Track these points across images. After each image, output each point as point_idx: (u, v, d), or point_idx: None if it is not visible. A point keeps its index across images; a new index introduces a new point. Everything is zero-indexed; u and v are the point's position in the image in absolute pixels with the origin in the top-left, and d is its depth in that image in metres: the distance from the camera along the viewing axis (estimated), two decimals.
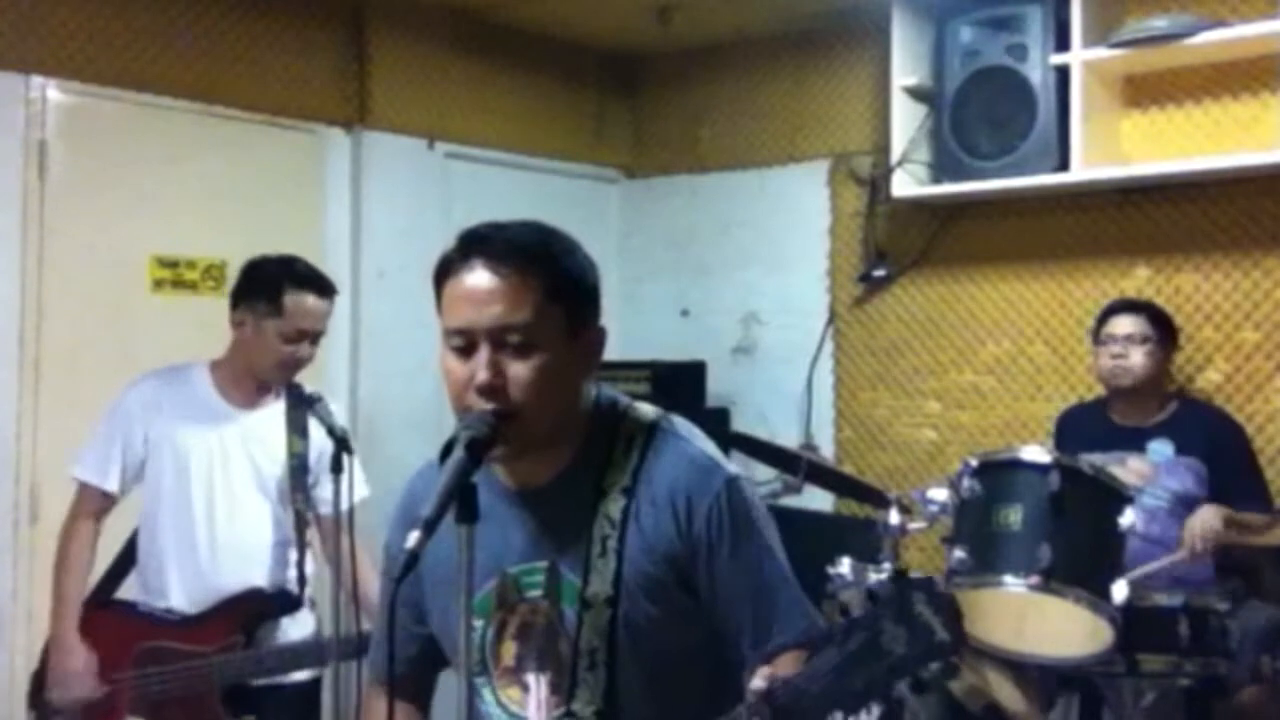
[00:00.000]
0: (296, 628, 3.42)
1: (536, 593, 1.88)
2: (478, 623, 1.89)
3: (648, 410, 1.94)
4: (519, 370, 1.75)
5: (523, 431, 1.76)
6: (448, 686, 1.95)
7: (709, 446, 1.92)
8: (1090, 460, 3.52)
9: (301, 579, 3.42)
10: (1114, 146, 4.50)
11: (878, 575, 3.59)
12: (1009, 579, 3.20)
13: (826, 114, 5.29)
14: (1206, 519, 3.64)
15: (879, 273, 5.09)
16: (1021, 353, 4.79)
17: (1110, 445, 4.00)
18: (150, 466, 3.32)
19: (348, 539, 2.97)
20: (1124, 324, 4.06)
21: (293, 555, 3.42)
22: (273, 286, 3.28)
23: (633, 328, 5.51)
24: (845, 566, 3.62)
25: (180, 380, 3.37)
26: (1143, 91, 4.52)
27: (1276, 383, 4.28)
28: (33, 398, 3.93)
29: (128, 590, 3.40)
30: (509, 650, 1.90)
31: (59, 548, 3.31)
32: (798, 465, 4.04)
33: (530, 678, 1.88)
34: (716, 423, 4.96)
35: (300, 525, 3.40)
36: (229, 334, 3.37)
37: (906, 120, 4.79)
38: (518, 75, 5.33)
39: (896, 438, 5.08)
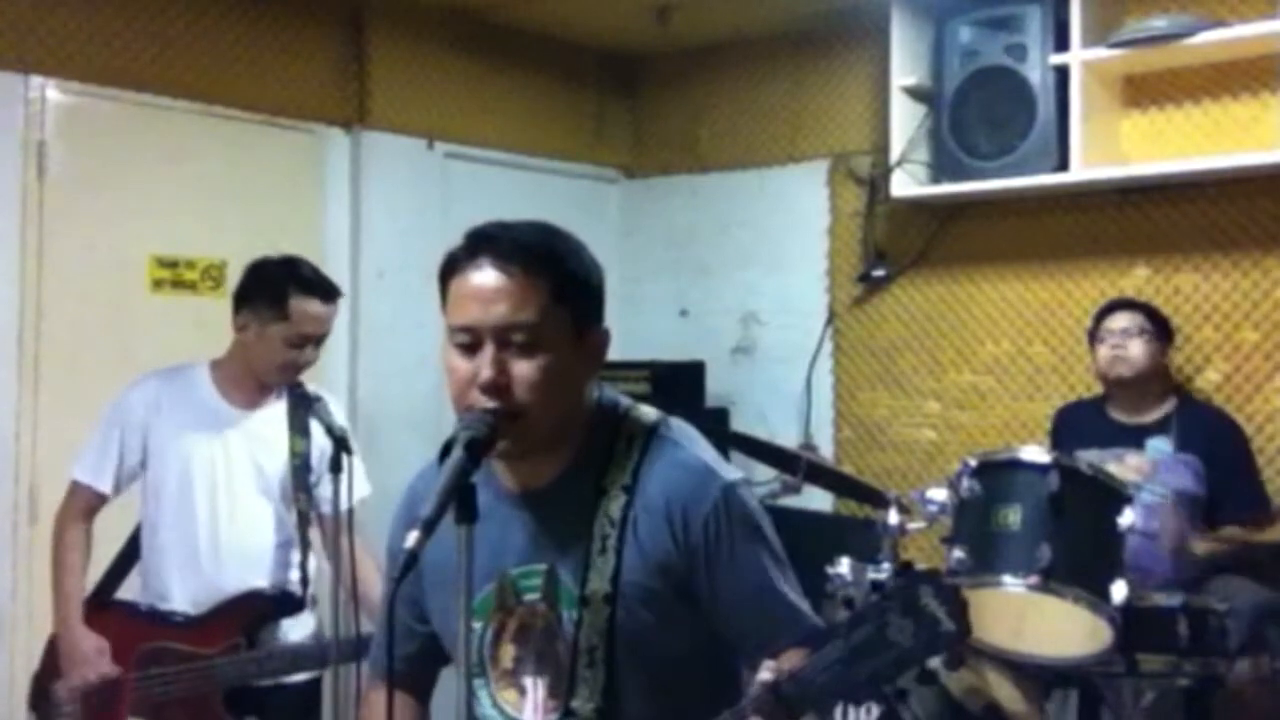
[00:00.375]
0: (297, 628, 3.42)
1: (535, 595, 1.87)
2: (476, 624, 1.89)
3: (648, 413, 1.94)
4: (523, 369, 1.75)
5: (526, 431, 1.76)
6: (445, 688, 1.96)
7: (707, 452, 1.91)
8: (1089, 459, 3.52)
9: (304, 579, 3.42)
10: (1113, 146, 4.50)
11: (877, 575, 3.59)
12: (1008, 579, 3.19)
13: (826, 114, 5.30)
14: (1182, 533, 3.65)
15: (878, 273, 5.09)
16: (1021, 353, 4.80)
17: (1109, 442, 4.00)
18: (151, 468, 3.32)
19: (347, 539, 2.97)
20: (1120, 319, 4.08)
21: (295, 556, 3.41)
22: (277, 291, 3.26)
23: (632, 327, 5.50)
24: (845, 566, 3.62)
25: (181, 381, 3.36)
26: (1142, 91, 4.52)
27: (1276, 382, 4.28)
28: (32, 398, 3.93)
29: (128, 591, 3.40)
30: (507, 652, 1.90)
31: (55, 547, 3.30)
32: (797, 465, 4.04)
33: (528, 680, 1.88)
34: (716, 423, 4.96)
35: (303, 525, 3.39)
36: (229, 334, 3.36)
37: (906, 120, 4.79)
38: (517, 75, 5.33)
39: (896, 438, 5.08)
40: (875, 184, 5.07)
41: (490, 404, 1.74)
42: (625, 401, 1.95)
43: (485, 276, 1.76)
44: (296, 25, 4.60)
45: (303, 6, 4.62)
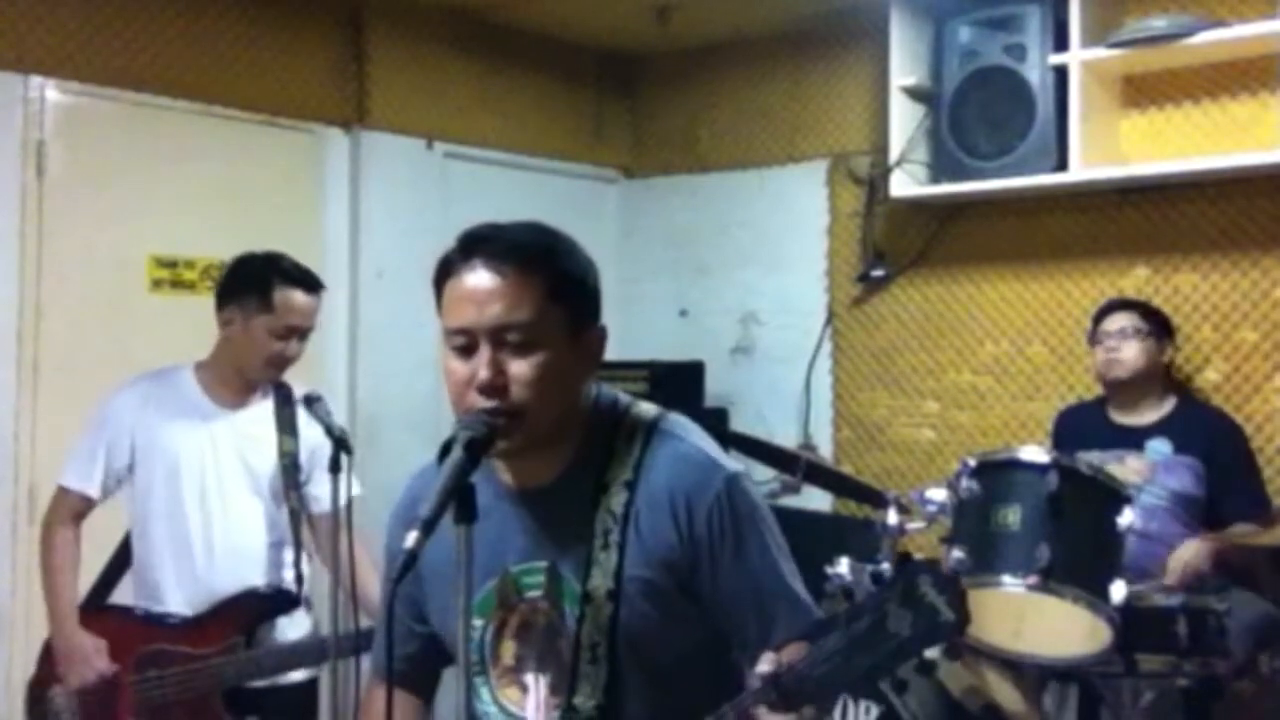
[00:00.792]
0: (293, 628, 3.42)
1: (536, 593, 1.88)
2: (477, 622, 1.89)
3: (648, 409, 1.94)
4: (520, 369, 1.75)
5: (525, 430, 1.76)
6: (447, 686, 1.96)
7: (708, 445, 1.92)
8: (1089, 460, 3.52)
9: (299, 577, 3.43)
10: (1113, 146, 4.50)
11: (877, 570, 3.59)
12: (1007, 579, 3.19)
13: (825, 114, 5.30)
14: (1192, 560, 3.61)
15: (877, 273, 5.09)
16: (1020, 353, 4.80)
17: (1109, 444, 4.00)
18: (140, 471, 3.32)
19: (346, 538, 2.97)
20: (1116, 320, 4.09)
21: (289, 555, 3.42)
22: (262, 283, 3.27)
23: (631, 328, 5.50)
24: (844, 566, 3.62)
25: (167, 383, 3.36)
26: (1141, 91, 4.52)
27: (1275, 382, 4.28)
28: (31, 397, 3.93)
29: (122, 595, 3.40)
30: (508, 650, 1.90)
31: (44, 553, 3.31)
32: (796, 465, 4.04)
33: (529, 678, 1.88)
34: (715, 423, 4.95)
35: (296, 524, 3.40)
36: None
37: (905, 120, 4.79)
38: (517, 75, 5.33)
39: (895, 438, 5.08)
40: (874, 184, 5.07)
41: (488, 404, 1.74)
42: (624, 398, 1.95)
43: (479, 278, 1.77)
44: (296, 25, 4.60)
45: (302, 6, 4.62)
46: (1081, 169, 4.31)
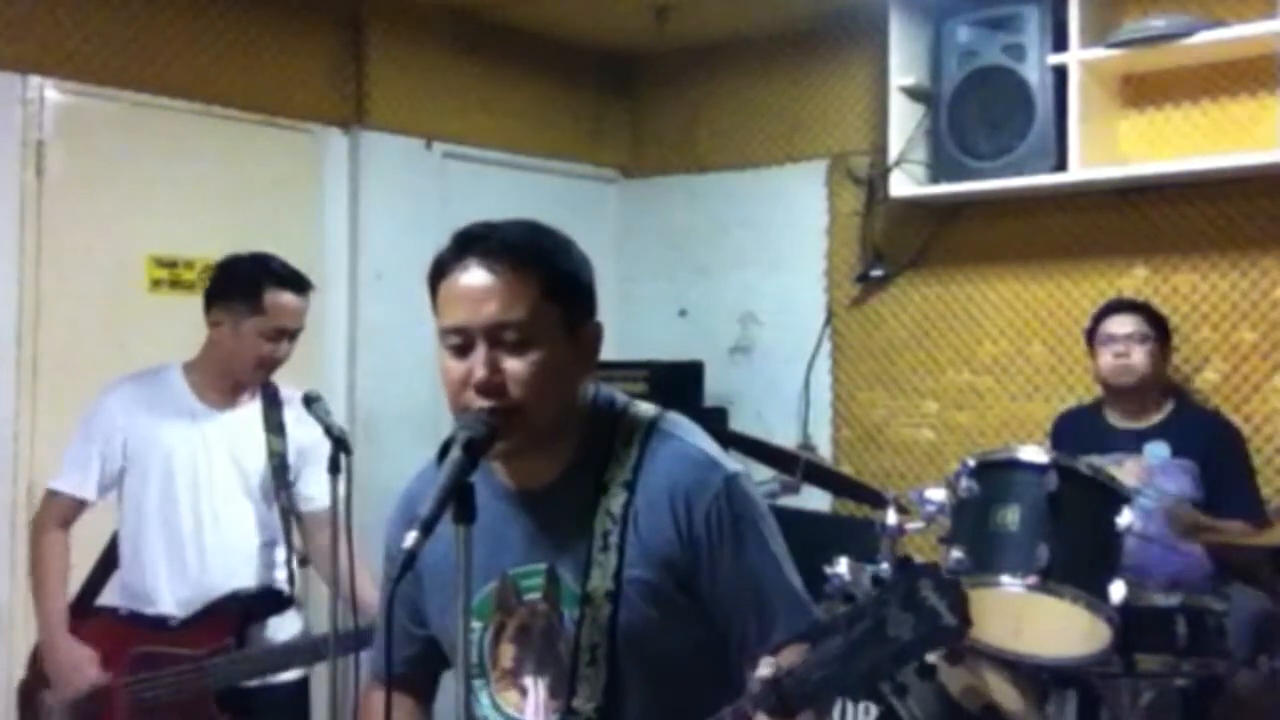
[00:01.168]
0: (285, 628, 3.42)
1: (535, 595, 1.87)
2: (475, 625, 1.89)
3: (646, 408, 1.94)
4: (516, 367, 1.75)
5: (522, 428, 1.76)
6: (446, 689, 1.95)
7: (708, 444, 1.91)
8: (1088, 460, 3.52)
9: (290, 577, 3.43)
10: (1112, 146, 4.50)
11: (878, 571, 3.59)
12: (1006, 579, 3.19)
13: (824, 114, 5.30)
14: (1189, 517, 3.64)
15: (877, 273, 5.09)
16: (1019, 353, 4.80)
17: (1107, 447, 3.99)
18: (131, 472, 3.31)
19: (345, 539, 2.97)
20: (1124, 323, 4.06)
21: (280, 554, 3.42)
22: (252, 286, 3.27)
23: (630, 328, 5.51)
24: (843, 566, 3.62)
25: (156, 384, 3.36)
26: (1140, 91, 4.52)
27: (1274, 383, 4.28)
28: (30, 397, 3.93)
29: (108, 597, 3.39)
30: (506, 653, 1.90)
31: (34, 557, 3.30)
32: (795, 465, 4.04)
33: (528, 681, 1.88)
34: (714, 423, 4.95)
35: (286, 523, 3.41)
36: None
37: (904, 120, 4.79)
38: (516, 75, 5.33)
39: (894, 438, 5.08)
40: (874, 184, 5.07)
41: (485, 404, 1.74)
42: (622, 398, 1.95)
43: (473, 277, 1.76)
44: (295, 25, 4.60)
45: (301, 7, 4.61)
46: (1080, 169, 4.31)
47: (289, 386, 3.43)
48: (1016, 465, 3.36)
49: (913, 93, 4.78)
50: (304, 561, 3.58)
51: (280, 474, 3.39)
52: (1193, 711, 3.50)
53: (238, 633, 3.27)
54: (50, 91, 4.00)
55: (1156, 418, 4.05)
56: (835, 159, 5.25)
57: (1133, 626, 3.21)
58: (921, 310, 5.03)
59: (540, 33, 5.34)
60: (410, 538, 1.58)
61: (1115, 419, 4.11)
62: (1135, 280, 4.51)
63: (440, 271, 1.81)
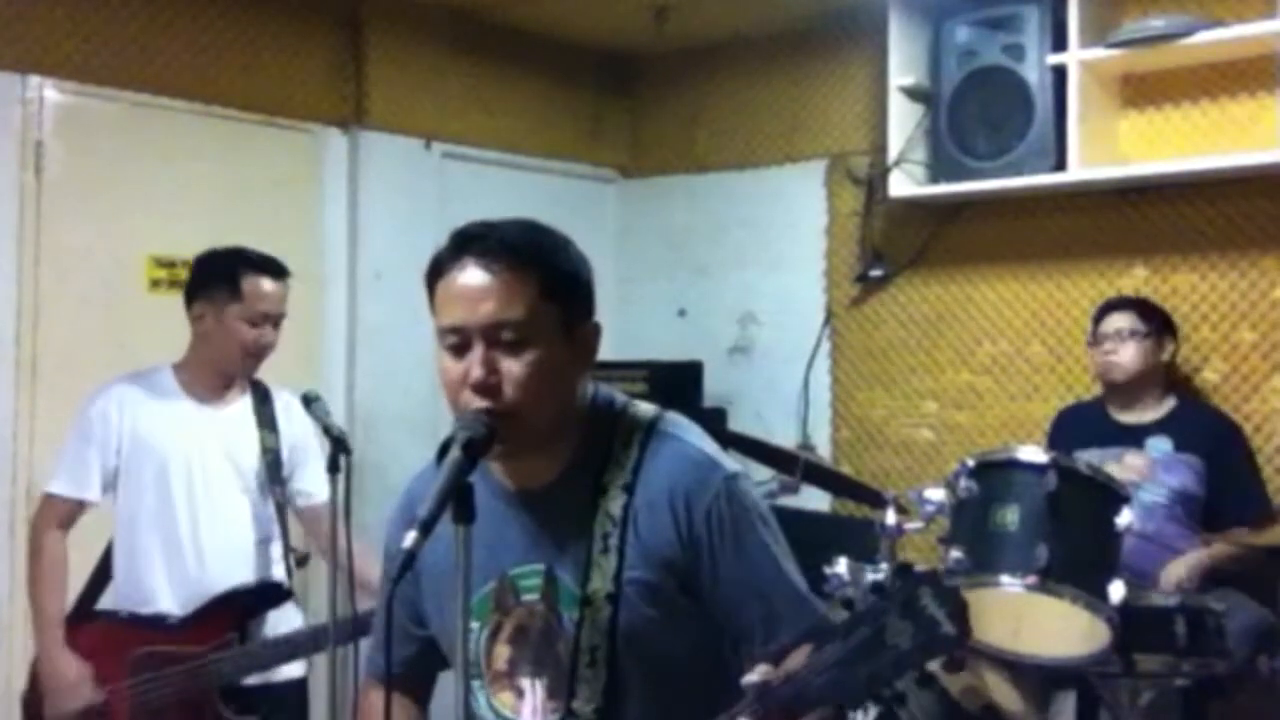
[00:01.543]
0: (285, 622, 3.42)
1: (533, 596, 1.87)
2: (473, 624, 1.88)
3: (646, 408, 1.94)
4: (513, 367, 1.75)
5: (520, 429, 1.76)
6: (444, 689, 1.95)
7: (707, 444, 1.91)
8: (1087, 459, 3.52)
9: (288, 572, 3.44)
10: (1111, 146, 4.50)
11: (875, 575, 3.59)
12: (1006, 579, 3.19)
13: (823, 114, 5.29)
14: (1183, 575, 3.63)
15: (876, 273, 5.09)
16: (1019, 353, 4.79)
17: (1109, 441, 4.00)
18: (127, 472, 3.32)
19: (344, 537, 2.97)
20: (1114, 321, 4.09)
21: (277, 550, 3.44)
22: (229, 274, 3.31)
23: (629, 328, 5.50)
24: (842, 567, 3.61)
25: (149, 384, 3.38)
26: (1140, 91, 4.52)
27: (1273, 382, 4.28)
28: (29, 398, 3.93)
29: (108, 600, 3.39)
30: (501, 654, 1.90)
31: (32, 563, 3.31)
32: (795, 465, 4.04)
33: (524, 682, 1.87)
34: (713, 423, 4.95)
35: (282, 519, 3.43)
36: None
37: (903, 120, 4.79)
38: (515, 75, 5.33)
39: (893, 438, 5.08)
40: (873, 184, 5.07)
41: (482, 404, 1.74)
42: (621, 398, 1.95)
43: (470, 276, 1.76)
44: (294, 25, 4.59)
45: (300, 7, 4.61)
46: (1080, 169, 4.31)
47: (279, 386, 3.47)
48: (1016, 465, 3.36)
49: (912, 93, 4.78)
50: (302, 561, 3.59)
51: (274, 469, 3.42)
52: (1192, 712, 3.50)
53: (239, 628, 3.27)
54: (49, 91, 4.00)
55: (1159, 413, 4.06)
56: (834, 159, 5.25)
57: (1132, 626, 3.21)
58: (921, 310, 5.02)
59: (540, 33, 5.33)
60: (409, 538, 1.58)
61: (1117, 414, 4.11)
62: (1135, 280, 4.51)
63: (438, 271, 1.81)
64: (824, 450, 5.16)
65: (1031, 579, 3.14)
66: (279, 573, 3.43)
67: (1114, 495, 3.29)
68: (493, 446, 1.74)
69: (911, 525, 3.68)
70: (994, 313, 4.85)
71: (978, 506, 3.33)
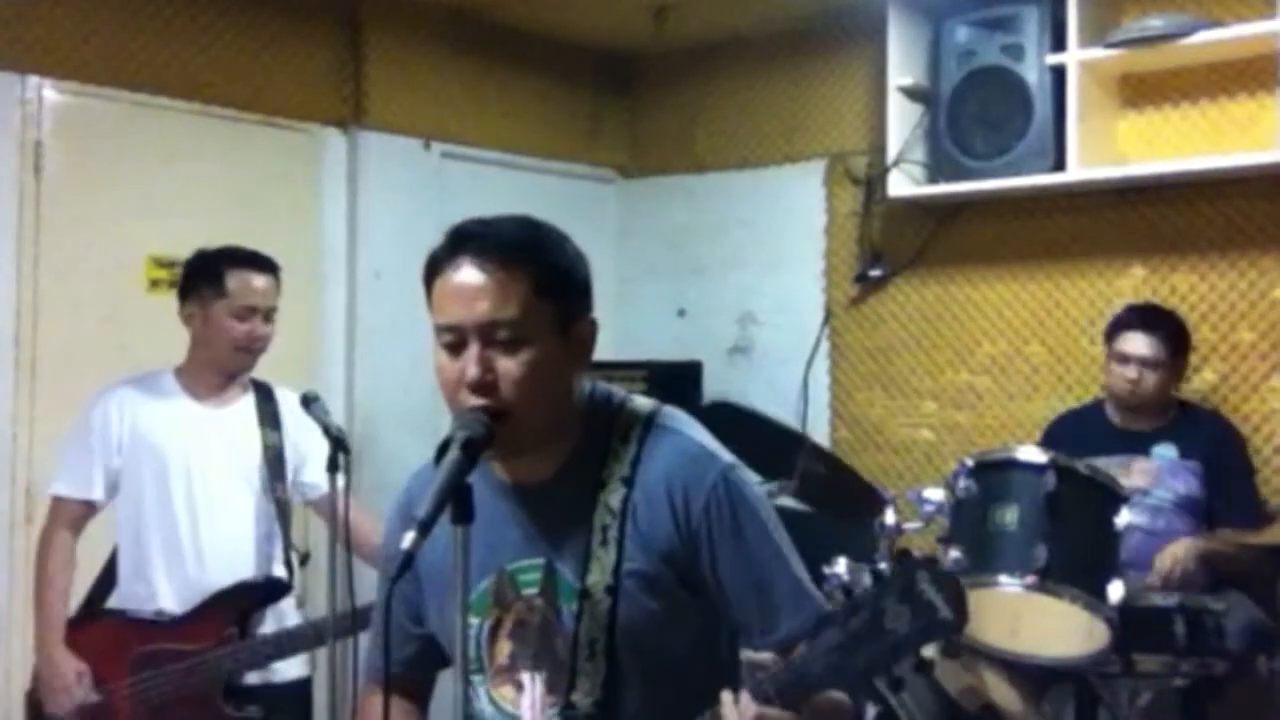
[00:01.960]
0: (285, 617, 3.43)
1: (533, 590, 1.88)
2: (473, 620, 1.89)
3: (644, 403, 1.95)
4: (509, 366, 1.75)
5: (516, 428, 1.76)
6: (443, 686, 1.95)
7: (705, 437, 1.92)
8: (1087, 460, 3.52)
9: (290, 570, 3.44)
10: (1110, 146, 4.50)
11: (877, 567, 3.59)
12: (1005, 579, 3.20)
13: (823, 114, 5.29)
14: (1181, 556, 3.61)
15: (875, 273, 5.09)
16: (1018, 353, 4.79)
17: (1113, 449, 3.95)
18: (129, 472, 3.34)
19: (343, 534, 2.98)
20: (1141, 345, 3.95)
21: (278, 548, 3.44)
22: (213, 271, 3.35)
23: (629, 328, 5.51)
24: (841, 566, 3.62)
25: (149, 385, 3.41)
26: (1139, 91, 4.52)
27: (1272, 382, 4.28)
28: (28, 398, 3.93)
29: (115, 599, 3.40)
30: (503, 649, 1.90)
31: (39, 562, 3.33)
32: (799, 449, 4.03)
33: (525, 676, 1.88)
34: (713, 420, 4.94)
35: (284, 517, 3.42)
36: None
37: (902, 120, 4.79)
38: (514, 75, 5.33)
39: (892, 438, 5.08)
40: (872, 184, 5.07)
41: (478, 402, 1.74)
42: (619, 394, 1.95)
43: (465, 275, 1.77)
44: (293, 25, 4.59)
45: (300, 6, 4.61)
46: (1079, 169, 4.31)
47: (281, 385, 3.48)
48: (1015, 465, 3.37)
49: (911, 93, 4.78)
50: (303, 559, 3.59)
51: (276, 468, 3.42)
52: (1191, 711, 3.51)
53: (239, 624, 3.28)
54: (48, 91, 4.00)
55: (1162, 419, 4.02)
56: (834, 159, 5.25)
57: (1131, 626, 3.21)
58: (920, 310, 5.03)
59: (539, 33, 5.33)
60: (408, 538, 1.59)
61: (1118, 421, 4.09)
62: (1133, 280, 4.51)
63: (434, 269, 1.82)
64: None
65: (1030, 579, 3.15)
66: (279, 571, 3.44)
67: (1113, 495, 3.30)
68: (491, 446, 1.74)
69: (910, 525, 3.69)
70: (993, 313, 4.85)
71: (977, 506, 3.34)
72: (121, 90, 4.16)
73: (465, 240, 1.80)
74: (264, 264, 3.40)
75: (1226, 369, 4.34)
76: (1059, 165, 4.35)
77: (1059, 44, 4.36)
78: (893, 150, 4.79)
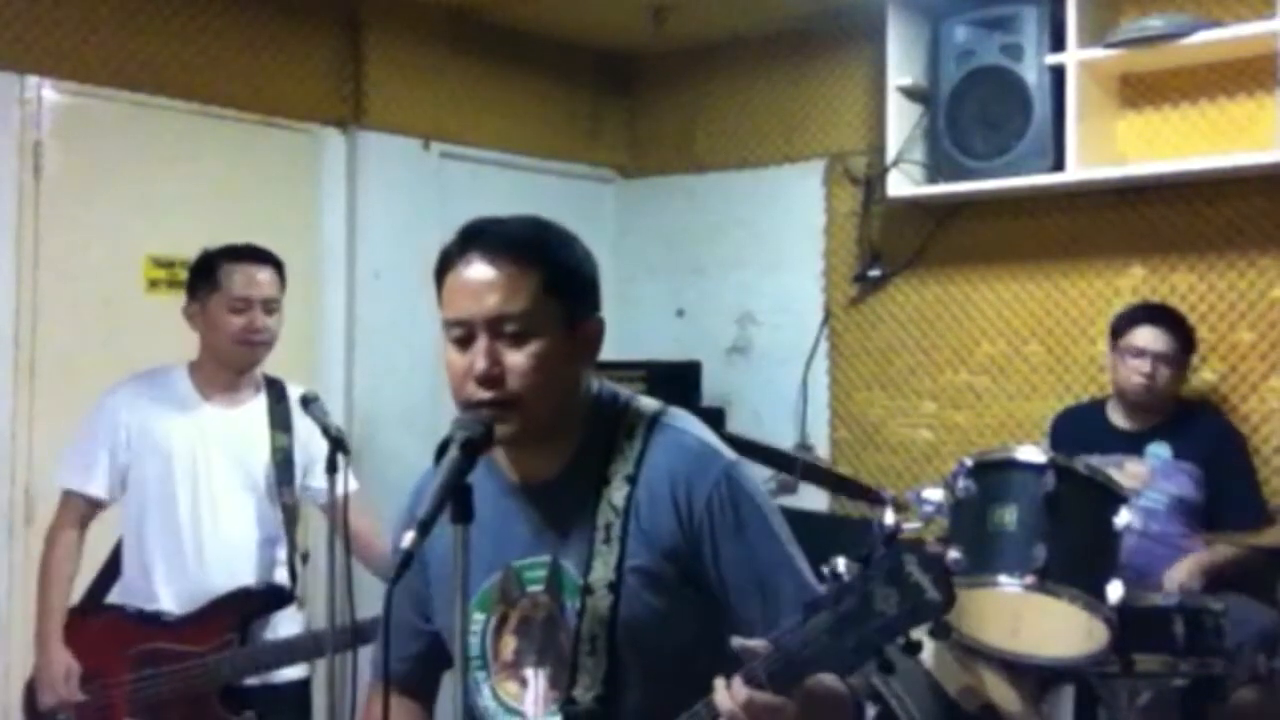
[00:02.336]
0: (286, 625, 3.42)
1: (538, 587, 1.89)
2: (479, 616, 1.91)
3: (649, 403, 1.97)
4: (516, 359, 1.78)
5: (522, 420, 1.78)
6: (446, 684, 1.96)
7: (708, 436, 1.94)
8: (1086, 460, 3.52)
9: (293, 574, 3.43)
10: (1109, 146, 4.50)
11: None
12: (1004, 579, 3.20)
13: (822, 114, 5.30)
14: (1185, 581, 3.61)
15: (874, 273, 5.09)
16: (1017, 352, 4.80)
17: (1108, 448, 3.97)
18: (134, 469, 3.34)
19: (342, 535, 2.98)
20: (1153, 339, 3.96)
21: (281, 552, 3.43)
22: (209, 268, 3.36)
23: (628, 328, 5.50)
24: (840, 566, 3.62)
25: (160, 382, 3.40)
26: (1138, 91, 4.52)
27: (1271, 382, 4.28)
28: (28, 398, 3.93)
29: (116, 595, 3.40)
30: (508, 645, 1.92)
31: (43, 557, 3.33)
32: (793, 465, 4.04)
33: (529, 672, 1.89)
34: (712, 423, 4.94)
35: (289, 521, 3.42)
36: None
37: (902, 120, 4.79)
38: (513, 75, 5.33)
39: (892, 438, 5.08)
40: (871, 184, 5.07)
41: (485, 395, 1.77)
42: (625, 394, 1.97)
43: (475, 270, 1.80)
44: (292, 25, 4.59)
45: (299, 7, 4.61)
46: (1078, 169, 4.31)
47: (301, 387, 3.45)
48: (1014, 465, 3.36)
49: (910, 93, 4.78)
50: (304, 559, 3.59)
51: (284, 470, 3.41)
52: (1190, 712, 3.51)
53: (240, 629, 3.28)
54: (48, 91, 4.00)
55: (1159, 418, 4.03)
56: (833, 159, 5.25)
57: (1130, 626, 3.21)
58: (919, 310, 5.03)
59: (538, 33, 5.34)
60: (407, 538, 1.60)
61: (1118, 420, 4.09)
62: (1133, 280, 4.52)
63: (445, 265, 1.84)
64: (822, 450, 5.17)
65: (1030, 579, 3.15)
66: (281, 575, 3.42)
67: (1112, 495, 3.30)
68: (491, 445, 1.76)
69: (910, 525, 3.69)
70: (992, 313, 4.85)
71: (976, 506, 3.34)
72: (121, 90, 4.16)
73: (476, 236, 1.83)
74: (261, 256, 3.40)
75: (1226, 369, 4.34)
76: (1058, 165, 4.35)
77: (1058, 44, 4.36)
78: (892, 150, 4.80)
